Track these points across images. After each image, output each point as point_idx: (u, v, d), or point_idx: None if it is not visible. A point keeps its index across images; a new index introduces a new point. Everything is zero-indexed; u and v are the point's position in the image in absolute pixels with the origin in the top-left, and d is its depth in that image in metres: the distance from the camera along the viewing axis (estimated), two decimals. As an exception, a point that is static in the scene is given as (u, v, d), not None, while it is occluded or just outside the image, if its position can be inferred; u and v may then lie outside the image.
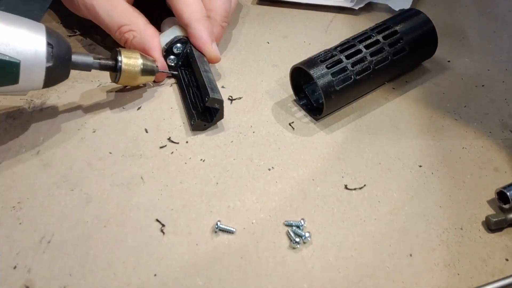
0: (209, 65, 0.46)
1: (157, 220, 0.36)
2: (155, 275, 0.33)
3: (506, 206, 0.37)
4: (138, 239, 0.35)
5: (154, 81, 0.47)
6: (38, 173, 0.39)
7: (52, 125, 0.43)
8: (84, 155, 0.40)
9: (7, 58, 0.35)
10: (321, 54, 0.43)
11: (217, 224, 0.36)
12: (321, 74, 0.41)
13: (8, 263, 0.33)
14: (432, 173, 0.40)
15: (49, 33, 0.37)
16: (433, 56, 0.49)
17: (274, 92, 0.47)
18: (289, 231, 0.36)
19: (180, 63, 0.47)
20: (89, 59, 0.40)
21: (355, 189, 0.39)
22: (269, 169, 0.40)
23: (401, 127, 0.44)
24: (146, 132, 0.42)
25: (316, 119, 0.44)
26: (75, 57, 0.39)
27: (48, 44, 0.36)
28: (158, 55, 0.45)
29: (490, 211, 0.38)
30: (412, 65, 0.49)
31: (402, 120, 0.45)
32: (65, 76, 0.40)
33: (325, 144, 0.42)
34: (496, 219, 0.36)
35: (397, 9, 0.57)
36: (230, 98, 0.46)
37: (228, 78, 0.48)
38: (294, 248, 0.35)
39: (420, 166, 0.41)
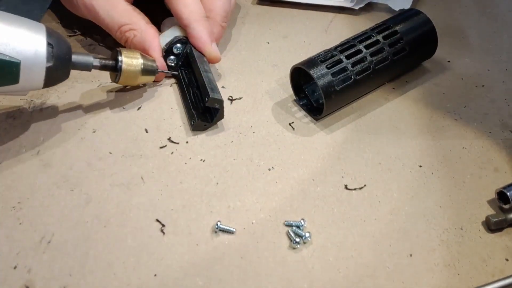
0: (209, 65, 0.46)
1: (157, 220, 0.36)
2: (155, 275, 0.33)
3: (506, 206, 0.37)
4: (138, 239, 0.35)
5: (153, 81, 0.47)
6: (38, 173, 0.39)
7: (52, 125, 0.43)
8: (84, 155, 0.40)
9: (7, 58, 0.35)
10: (321, 54, 0.43)
11: (217, 224, 0.36)
12: (321, 74, 0.41)
13: (8, 263, 0.33)
14: (432, 173, 0.40)
15: (49, 33, 0.37)
16: (433, 56, 0.49)
17: (274, 92, 0.47)
18: (289, 231, 0.36)
19: (180, 63, 0.47)
20: (89, 59, 0.40)
21: (355, 189, 0.39)
22: (269, 169, 0.40)
23: (401, 127, 0.44)
24: (146, 132, 0.42)
25: (316, 119, 0.44)
26: (75, 57, 0.39)
27: (48, 44, 0.36)
28: (157, 54, 0.45)
29: (490, 211, 0.38)
30: (412, 65, 0.49)
31: (402, 120, 0.45)
32: (65, 76, 0.40)
33: (325, 144, 0.42)
34: (496, 219, 0.36)
35: (397, 9, 0.57)
36: (230, 98, 0.46)
37: (228, 78, 0.48)
38: (294, 248, 0.35)
39: (420, 166, 0.41)
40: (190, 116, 0.44)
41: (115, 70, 0.42)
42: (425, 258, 0.35)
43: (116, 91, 0.46)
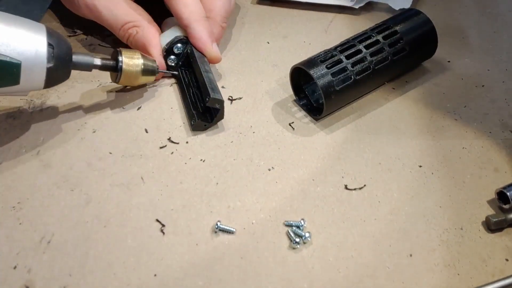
0: (209, 65, 0.46)
1: (157, 220, 0.36)
2: (155, 275, 0.33)
3: (506, 206, 0.37)
4: (138, 239, 0.35)
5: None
6: (38, 174, 0.39)
7: (52, 125, 0.43)
8: (84, 155, 0.40)
9: (7, 59, 0.35)
10: (321, 54, 0.43)
11: (217, 224, 0.36)
12: (321, 74, 0.41)
13: (8, 263, 0.33)
14: (432, 173, 0.40)
15: (50, 34, 0.37)
16: (433, 56, 0.49)
17: (274, 92, 0.47)
18: (289, 231, 0.36)
19: (180, 63, 0.47)
20: (89, 59, 0.40)
21: (355, 189, 0.39)
22: (269, 169, 0.40)
23: (401, 127, 0.44)
24: (146, 132, 0.42)
25: (316, 119, 0.44)
26: (75, 57, 0.39)
27: (49, 44, 0.36)
28: (157, 52, 0.45)
29: (490, 211, 0.38)
30: (412, 65, 0.49)
31: (402, 120, 0.45)
32: (66, 76, 0.40)
33: (325, 144, 0.42)
34: (496, 219, 0.36)
35: (397, 8, 0.57)
36: (230, 98, 0.46)
37: (228, 78, 0.49)
38: (294, 248, 0.35)
39: (420, 166, 0.41)
40: (190, 116, 0.44)
41: (115, 70, 0.42)
42: (425, 258, 0.35)
43: (116, 91, 0.46)
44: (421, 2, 0.60)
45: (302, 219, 0.36)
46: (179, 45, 0.46)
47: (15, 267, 0.33)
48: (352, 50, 0.43)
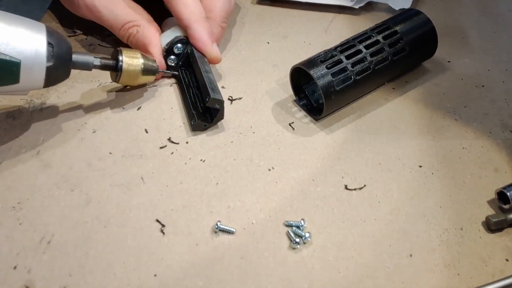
0: (209, 65, 0.46)
1: (157, 221, 0.36)
2: (155, 275, 0.33)
3: (506, 207, 0.37)
4: (138, 240, 0.35)
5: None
6: (38, 174, 0.39)
7: (52, 125, 0.42)
8: (84, 155, 0.40)
9: (7, 58, 0.34)
10: (321, 55, 0.43)
11: (217, 225, 0.36)
12: (321, 75, 0.41)
13: (8, 264, 0.33)
14: (432, 173, 0.40)
15: (50, 33, 0.37)
16: (433, 56, 0.49)
17: (274, 92, 0.47)
18: (289, 231, 0.36)
19: (180, 63, 0.47)
20: (89, 58, 0.40)
21: (355, 189, 0.39)
22: (269, 170, 0.40)
23: (401, 127, 0.44)
24: (146, 132, 0.42)
25: (316, 120, 0.44)
26: (75, 57, 0.39)
27: (49, 43, 0.36)
28: (157, 51, 0.45)
29: (490, 211, 0.38)
30: (412, 65, 0.49)
31: (402, 120, 0.45)
32: (66, 75, 0.40)
33: (325, 144, 0.42)
34: (496, 219, 0.36)
35: (397, 8, 0.57)
36: (230, 98, 0.46)
37: (228, 78, 0.48)
38: (294, 248, 0.35)
39: (420, 166, 0.41)
40: (190, 116, 0.44)
41: (115, 69, 0.42)
42: (425, 258, 0.35)
43: (116, 91, 0.46)
44: (421, 2, 0.60)
45: (302, 219, 0.36)
46: (179, 45, 0.46)
47: (15, 267, 0.33)
48: (352, 50, 0.43)
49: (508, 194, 0.36)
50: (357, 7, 0.57)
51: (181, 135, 0.42)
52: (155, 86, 0.47)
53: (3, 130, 0.42)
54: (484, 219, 0.37)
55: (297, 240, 0.35)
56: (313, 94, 0.46)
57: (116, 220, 0.36)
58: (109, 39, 0.51)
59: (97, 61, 0.41)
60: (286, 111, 0.45)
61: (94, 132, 0.42)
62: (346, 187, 0.39)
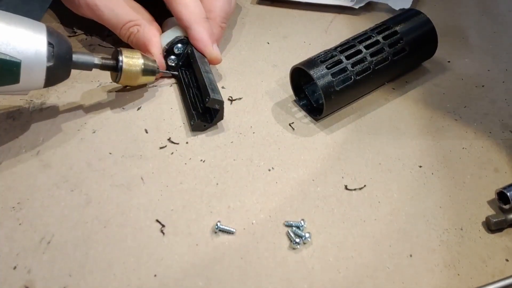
0: (209, 65, 0.46)
1: (157, 221, 0.36)
2: (155, 275, 0.33)
3: (506, 207, 0.37)
4: (138, 240, 0.35)
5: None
6: (38, 174, 0.39)
7: (52, 125, 0.42)
8: (84, 155, 0.40)
9: (7, 58, 0.34)
10: (321, 55, 0.43)
11: (217, 225, 0.35)
12: (321, 75, 0.41)
13: (8, 264, 0.33)
14: (432, 174, 0.40)
15: (50, 33, 0.37)
16: (433, 57, 0.49)
17: (274, 93, 0.47)
18: (289, 231, 0.36)
19: (180, 63, 0.47)
20: (90, 58, 0.40)
21: (355, 189, 0.39)
22: (269, 170, 0.40)
23: (401, 128, 0.44)
24: (146, 132, 0.42)
25: (316, 120, 0.44)
26: (76, 57, 0.39)
27: (49, 43, 0.36)
28: (157, 52, 0.45)
29: (490, 211, 0.38)
30: (412, 65, 0.49)
31: (402, 120, 0.45)
32: (66, 75, 0.39)
33: (325, 144, 0.42)
34: (496, 220, 0.36)
35: (397, 8, 0.57)
36: (230, 98, 0.46)
37: (228, 79, 0.48)
38: (294, 248, 0.35)
39: (420, 166, 0.41)
40: (190, 117, 0.44)
41: (115, 69, 0.42)
42: (425, 258, 0.35)
43: (116, 91, 0.46)
44: (421, 2, 0.60)
45: (302, 220, 0.36)
46: (179, 45, 0.46)
47: (15, 268, 0.33)
48: (352, 50, 0.43)
49: (508, 194, 0.36)
50: (357, 7, 0.57)
51: (181, 135, 0.42)
52: (155, 86, 0.47)
53: (3, 130, 0.42)
54: (484, 219, 0.37)
55: (297, 240, 0.35)
56: (313, 94, 0.46)
57: (116, 220, 0.36)
58: (109, 39, 0.51)
59: (97, 61, 0.41)
60: (286, 111, 0.45)
61: (94, 132, 0.42)
62: (346, 187, 0.39)
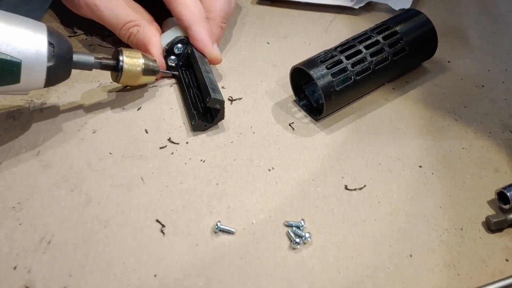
0: (210, 65, 0.46)
1: (157, 221, 0.36)
2: (155, 275, 0.33)
3: (506, 207, 0.37)
4: (138, 240, 0.35)
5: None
6: (38, 174, 0.39)
7: (52, 125, 0.42)
8: (84, 155, 0.40)
9: (8, 58, 0.34)
10: (321, 55, 0.43)
11: (217, 225, 0.36)
12: (321, 75, 0.41)
13: (8, 264, 0.33)
14: (432, 174, 0.40)
15: (50, 33, 0.37)
16: (433, 57, 0.49)
17: (274, 93, 0.47)
18: (289, 231, 0.36)
19: (180, 63, 0.47)
20: (90, 58, 0.40)
21: (355, 189, 0.39)
22: (269, 170, 0.40)
23: (401, 128, 0.44)
24: (146, 132, 0.42)
25: (316, 120, 0.44)
26: (76, 57, 0.39)
27: (50, 43, 0.36)
28: (157, 52, 0.45)
29: (490, 211, 0.38)
30: (412, 65, 0.49)
31: (402, 120, 0.45)
32: (66, 75, 0.40)
33: (325, 144, 0.42)
34: (496, 220, 0.36)
35: (397, 8, 0.57)
36: (230, 98, 0.46)
37: (228, 79, 0.48)
38: (294, 248, 0.35)
39: (420, 166, 0.41)
40: (190, 116, 0.44)
41: (116, 69, 0.42)
42: (425, 258, 0.35)
43: (116, 91, 0.46)
44: (421, 2, 0.60)
45: (302, 220, 0.36)
46: (179, 45, 0.46)
47: (15, 268, 0.33)
48: (352, 50, 0.43)
49: (508, 194, 0.36)
50: (357, 7, 0.57)
51: (181, 135, 0.42)
52: (156, 86, 0.47)
53: (3, 130, 0.42)
54: (484, 219, 0.37)
55: (297, 240, 0.35)
56: (313, 94, 0.46)
57: (116, 220, 0.36)
58: (109, 39, 0.51)
59: (97, 61, 0.41)
60: (286, 111, 0.45)
61: (94, 132, 0.42)
62: (346, 187, 0.39)
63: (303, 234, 0.35)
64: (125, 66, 0.42)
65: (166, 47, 0.46)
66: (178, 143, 0.42)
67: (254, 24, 0.56)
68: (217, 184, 0.39)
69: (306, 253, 0.35)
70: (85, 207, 0.37)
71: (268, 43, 0.53)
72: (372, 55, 0.44)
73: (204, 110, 0.43)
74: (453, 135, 0.43)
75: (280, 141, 0.42)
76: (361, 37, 0.45)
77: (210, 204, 0.37)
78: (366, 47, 0.44)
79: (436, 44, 0.48)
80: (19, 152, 0.40)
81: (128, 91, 0.46)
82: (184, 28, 0.46)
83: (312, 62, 0.43)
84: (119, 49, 0.42)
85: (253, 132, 0.43)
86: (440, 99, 0.47)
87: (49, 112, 0.44)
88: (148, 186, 0.38)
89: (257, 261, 0.34)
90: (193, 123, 0.43)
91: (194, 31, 0.45)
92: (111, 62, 0.42)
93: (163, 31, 0.47)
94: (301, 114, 0.45)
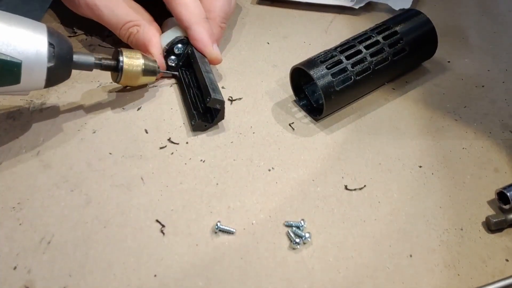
0: (210, 65, 0.46)
1: (157, 221, 0.36)
2: (155, 275, 0.33)
3: (506, 207, 0.37)
4: (138, 240, 0.35)
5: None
6: (38, 174, 0.39)
7: (52, 125, 0.43)
8: (84, 155, 0.40)
9: (8, 58, 0.34)
10: (321, 55, 0.43)
11: (217, 225, 0.36)
12: (321, 75, 0.41)
13: (8, 264, 0.33)
14: (432, 174, 0.40)
15: (51, 33, 0.37)
16: (433, 57, 0.49)
17: (274, 93, 0.47)
18: (289, 231, 0.36)
19: (181, 63, 0.47)
20: (90, 58, 0.40)
21: (355, 189, 0.39)
22: (269, 170, 0.40)
23: (401, 128, 0.44)
24: (146, 132, 0.42)
25: (316, 120, 0.44)
26: (76, 57, 0.39)
27: (50, 44, 0.36)
28: (157, 52, 0.45)
29: (490, 211, 0.38)
30: (412, 65, 0.49)
31: (402, 120, 0.45)
32: (67, 76, 0.40)
33: (325, 144, 0.42)
34: (496, 220, 0.36)
35: (397, 8, 0.57)
36: (230, 98, 0.46)
37: (228, 79, 0.49)
38: (294, 248, 0.35)
39: (420, 166, 0.41)
40: (190, 117, 0.44)
41: (116, 70, 0.42)
42: (425, 258, 0.35)
43: (116, 92, 0.46)
44: (421, 2, 0.60)
45: (302, 220, 0.36)
46: (179, 45, 0.46)
47: (15, 268, 0.33)
48: (352, 50, 0.43)
49: (508, 194, 0.36)
50: (357, 7, 0.57)
51: (181, 136, 0.42)
52: (156, 86, 0.47)
53: (3, 131, 0.42)
54: (484, 219, 0.37)
55: (297, 240, 0.35)
56: (313, 95, 0.46)
57: (116, 220, 0.36)
58: (109, 40, 0.51)
59: (98, 62, 0.41)
60: (286, 111, 0.45)
61: (94, 132, 0.42)
62: (346, 187, 0.39)
63: (303, 234, 0.35)
64: (125, 66, 0.42)
65: (166, 47, 0.46)
66: (178, 143, 0.42)
67: (254, 24, 0.56)
68: (217, 184, 0.39)
69: (306, 253, 0.35)
70: (85, 207, 0.37)
71: (268, 43, 0.53)
72: (372, 55, 0.44)
73: (204, 110, 0.43)
74: (453, 135, 0.43)
75: (280, 141, 0.42)
76: (361, 37, 0.45)
77: (210, 204, 0.37)
78: (366, 47, 0.44)
79: (436, 44, 0.48)
80: (19, 152, 0.40)
81: (128, 91, 0.46)
82: (184, 28, 0.46)
83: (312, 62, 0.43)
84: (119, 49, 0.42)
85: (253, 132, 0.43)
86: (440, 99, 0.47)
87: (49, 112, 0.44)
88: (148, 186, 0.38)
89: (257, 261, 0.34)
90: (193, 123, 0.43)
91: (194, 31, 0.45)
92: (111, 62, 0.42)
93: (163, 31, 0.47)
94: (301, 114, 0.45)
